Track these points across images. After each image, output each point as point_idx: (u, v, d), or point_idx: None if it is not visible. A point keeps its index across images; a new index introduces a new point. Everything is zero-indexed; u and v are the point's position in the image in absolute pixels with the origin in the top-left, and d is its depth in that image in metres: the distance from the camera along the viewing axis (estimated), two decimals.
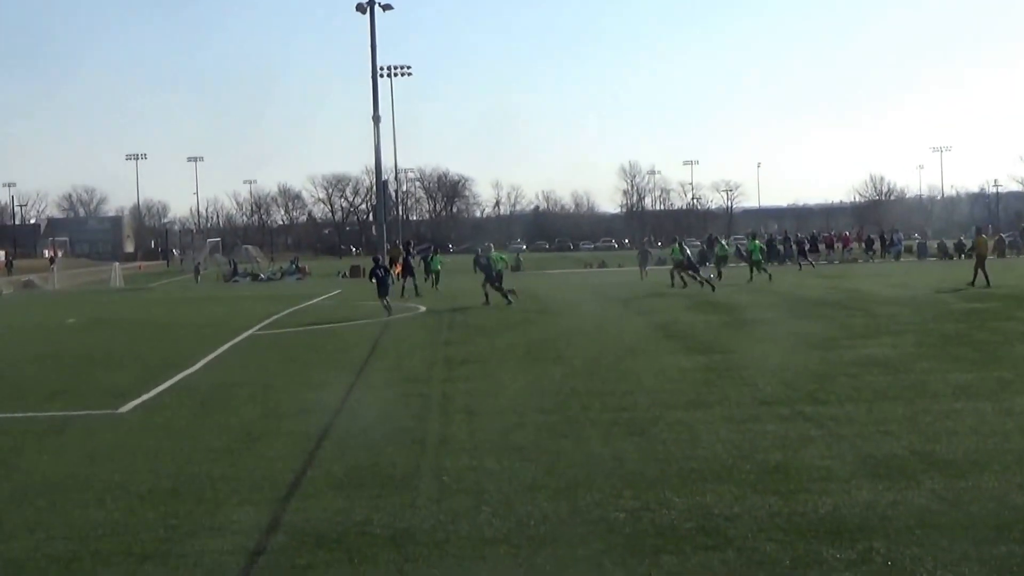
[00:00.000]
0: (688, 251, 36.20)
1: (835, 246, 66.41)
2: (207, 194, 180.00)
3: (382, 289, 26.41)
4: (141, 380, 14.76)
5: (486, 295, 28.37)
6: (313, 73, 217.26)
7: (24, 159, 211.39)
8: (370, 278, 27.82)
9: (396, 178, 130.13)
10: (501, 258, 30.40)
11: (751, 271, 38.91)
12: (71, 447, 10.28)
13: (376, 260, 28.74)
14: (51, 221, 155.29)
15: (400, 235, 74.50)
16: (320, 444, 9.97)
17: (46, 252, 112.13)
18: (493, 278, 28.38)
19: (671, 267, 36.60)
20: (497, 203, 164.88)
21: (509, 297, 27.93)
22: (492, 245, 30.98)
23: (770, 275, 38.87)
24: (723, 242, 55.37)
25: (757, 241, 42.07)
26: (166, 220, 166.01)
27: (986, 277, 30.37)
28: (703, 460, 8.79)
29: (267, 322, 25.17)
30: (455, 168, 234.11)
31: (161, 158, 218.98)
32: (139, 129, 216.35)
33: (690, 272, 34.41)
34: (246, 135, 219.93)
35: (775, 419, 10.50)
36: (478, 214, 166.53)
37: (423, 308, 28.33)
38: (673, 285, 34.62)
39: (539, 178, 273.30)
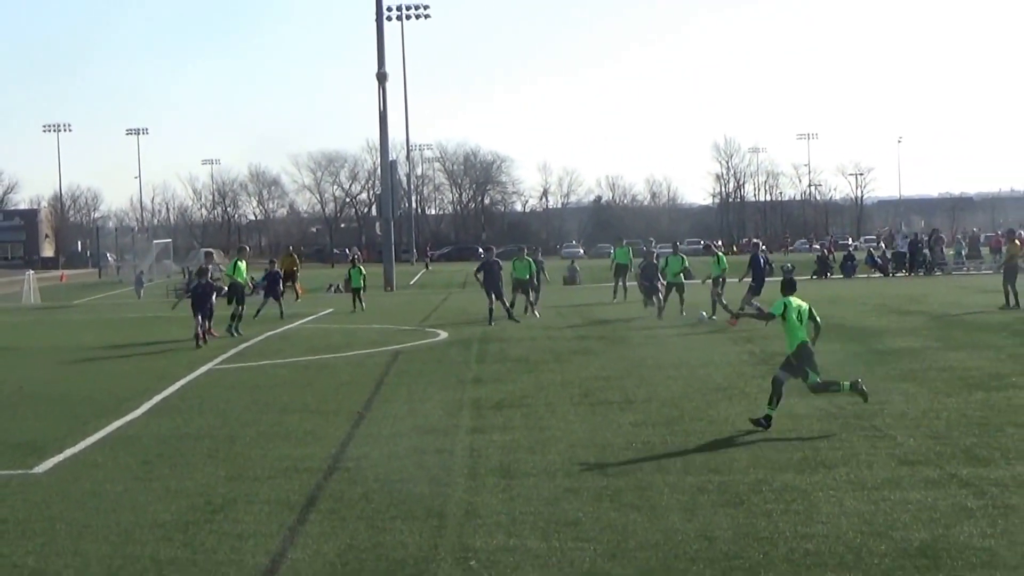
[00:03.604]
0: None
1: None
2: (153, 179, 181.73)
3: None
4: (63, 430, 14.94)
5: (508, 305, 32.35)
6: (296, 13, 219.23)
7: None
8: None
9: (408, 158, 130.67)
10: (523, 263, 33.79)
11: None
12: None
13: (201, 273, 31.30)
14: None
15: (416, 233, 74.47)
16: (305, 517, 10.07)
17: None
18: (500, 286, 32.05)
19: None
20: (545, 193, 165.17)
21: (511, 311, 31.66)
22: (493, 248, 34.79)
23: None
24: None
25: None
26: (98, 215, 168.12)
27: None
28: (822, 540, 8.81)
29: (233, 352, 25.41)
30: (488, 145, 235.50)
31: (91, 130, 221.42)
32: (61, 91, 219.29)
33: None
34: (206, 98, 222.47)
35: (920, 484, 10.50)
36: (519, 207, 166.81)
37: (444, 334, 28.43)
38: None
39: (602, 160, 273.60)
